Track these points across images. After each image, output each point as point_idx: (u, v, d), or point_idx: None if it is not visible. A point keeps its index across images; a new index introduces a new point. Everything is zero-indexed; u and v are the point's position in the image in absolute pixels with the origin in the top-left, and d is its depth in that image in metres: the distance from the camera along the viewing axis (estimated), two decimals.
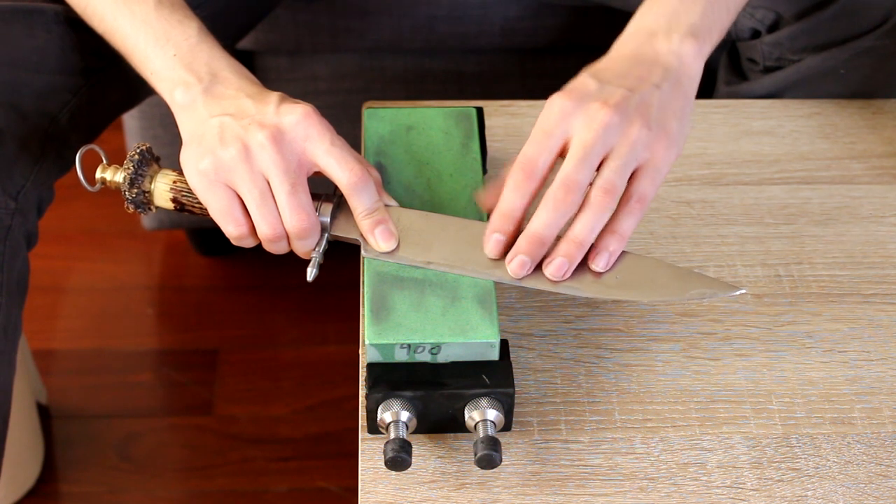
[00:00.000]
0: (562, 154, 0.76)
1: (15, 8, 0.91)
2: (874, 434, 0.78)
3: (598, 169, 0.76)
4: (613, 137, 0.75)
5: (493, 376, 0.73)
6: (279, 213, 0.77)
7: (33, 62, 0.91)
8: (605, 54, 0.81)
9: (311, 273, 0.79)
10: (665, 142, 0.77)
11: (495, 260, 0.77)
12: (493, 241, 0.76)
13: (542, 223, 0.75)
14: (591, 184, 0.76)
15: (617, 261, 0.77)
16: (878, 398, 0.80)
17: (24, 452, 1.35)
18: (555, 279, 0.76)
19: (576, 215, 0.75)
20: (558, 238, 0.76)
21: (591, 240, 0.76)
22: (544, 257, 0.76)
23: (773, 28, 1.03)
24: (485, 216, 0.80)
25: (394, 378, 0.73)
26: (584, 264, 0.77)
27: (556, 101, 0.77)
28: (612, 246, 0.76)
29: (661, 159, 0.77)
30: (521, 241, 0.76)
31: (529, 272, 0.76)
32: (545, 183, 0.76)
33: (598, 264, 0.76)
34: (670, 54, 0.80)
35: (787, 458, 0.76)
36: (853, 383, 0.80)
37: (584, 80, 0.78)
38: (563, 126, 0.76)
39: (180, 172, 0.80)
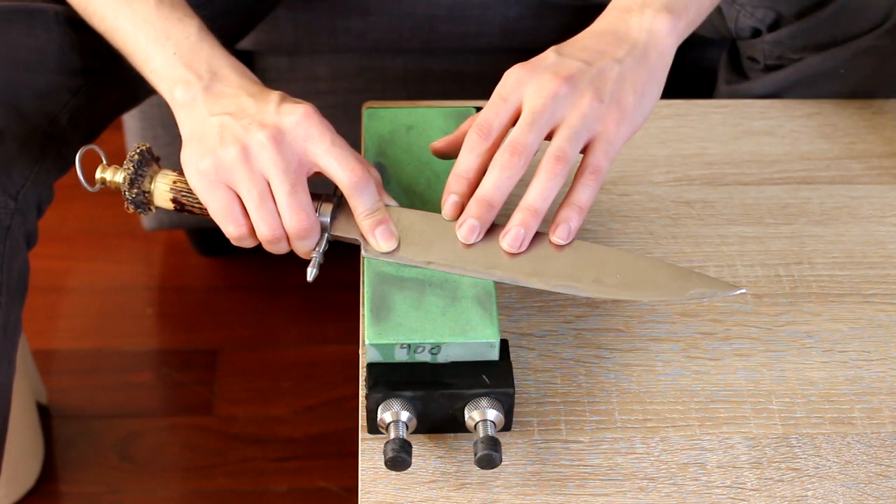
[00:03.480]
0: (515, 121, 0.78)
1: (15, 8, 0.91)
2: (874, 434, 0.78)
3: (550, 138, 0.77)
4: (563, 107, 0.76)
5: (493, 376, 0.73)
6: (279, 213, 0.77)
7: (33, 62, 0.91)
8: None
9: (311, 273, 0.79)
10: (617, 115, 0.77)
11: (496, 259, 0.77)
12: (449, 202, 0.78)
13: (489, 185, 0.76)
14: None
15: (617, 261, 0.77)
16: (878, 398, 0.79)
17: (24, 452, 1.35)
18: (512, 250, 0.77)
19: (529, 185, 0.76)
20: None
21: (545, 207, 0.76)
22: (495, 229, 0.77)
23: (773, 27, 1.03)
24: None
25: (394, 378, 0.73)
26: (584, 264, 0.77)
27: (513, 70, 0.79)
28: (572, 219, 0.77)
29: (613, 132, 0.77)
30: (471, 205, 0.77)
31: (479, 238, 0.77)
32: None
33: (558, 236, 0.77)
34: (641, 30, 0.81)
35: (787, 458, 0.76)
36: (853, 383, 0.80)
37: (546, 54, 0.80)
38: (517, 93, 0.77)
39: (180, 172, 0.80)
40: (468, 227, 0.76)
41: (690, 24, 0.83)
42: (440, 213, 0.80)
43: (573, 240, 0.77)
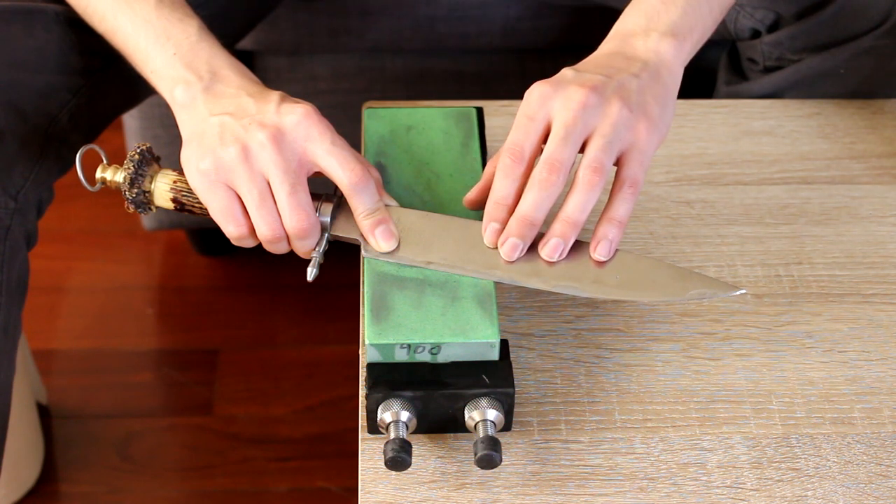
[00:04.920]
0: (545, 138, 0.77)
1: (15, 8, 0.91)
2: (874, 434, 0.78)
3: (583, 150, 0.76)
4: (594, 117, 0.76)
5: (493, 376, 0.73)
6: (279, 213, 0.77)
7: (33, 62, 0.91)
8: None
9: (311, 273, 0.79)
10: (646, 123, 0.77)
11: (495, 259, 0.77)
12: (490, 230, 0.77)
13: (529, 204, 0.75)
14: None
15: (617, 261, 0.77)
16: (878, 398, 0.80)
17: (24, 452, 1.35)
18: (551, 259, 0.76)
19: (566, 197, 0.76)
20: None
21: (583, 219, 0.76)
22: (537, 243, 0.77)
23: (773, 28, 1.03)
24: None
25: (394, 378, 0.73)
26: (584, 264, 0.77)
27: (536, 87, 0.78)
28: (611, 233, 0.76)
29: (645, 141, 0.77)
30: (511, 223, 0.76)
31: (522, 254, 0.76)
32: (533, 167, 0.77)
33: (599, 253, 0.76)
34: (648, 51, 0.81)
35: (787, 458, 0.76)
36: (853, 383, 0.80)
37: (563, 72, 0.79)
38: (543, 110, 0.77)
39: (181, 172, 0.80)
40: (510, 246, 0.76)
41: (695, 45, 0.84)
42: (440, 213, 0.80)
43: (575, 241, 0.77)
